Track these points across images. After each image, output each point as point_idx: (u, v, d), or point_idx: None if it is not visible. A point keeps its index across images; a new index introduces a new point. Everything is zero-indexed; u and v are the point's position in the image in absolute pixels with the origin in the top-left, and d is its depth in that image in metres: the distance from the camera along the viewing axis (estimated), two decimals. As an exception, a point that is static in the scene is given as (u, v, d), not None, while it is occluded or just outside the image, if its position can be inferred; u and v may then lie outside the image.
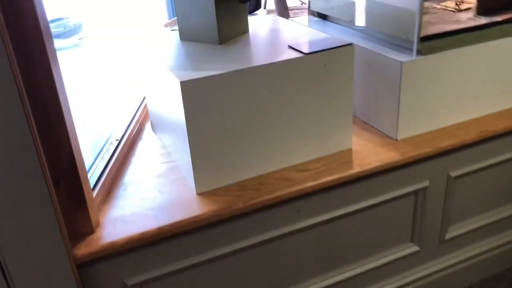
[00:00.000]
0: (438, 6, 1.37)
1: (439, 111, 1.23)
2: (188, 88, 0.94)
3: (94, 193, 1.01)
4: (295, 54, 1.03)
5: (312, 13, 1.55)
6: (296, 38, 1.15)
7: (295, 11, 1.77)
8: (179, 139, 1.05)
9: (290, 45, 1.09)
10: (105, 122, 1.39)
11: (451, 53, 1.17)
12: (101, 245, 0.91)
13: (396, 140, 1.20)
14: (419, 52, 1.14)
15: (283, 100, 1.04)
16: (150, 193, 1.06)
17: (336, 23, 1.45)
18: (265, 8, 1.80)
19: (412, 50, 1.15)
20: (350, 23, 1.36)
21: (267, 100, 1.02)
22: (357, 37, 1.31)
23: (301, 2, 2.01)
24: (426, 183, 1.23)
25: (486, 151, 1.27)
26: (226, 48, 1.11)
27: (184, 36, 1.19)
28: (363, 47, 1.23)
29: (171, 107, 1.04)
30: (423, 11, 1.09)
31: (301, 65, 1.03)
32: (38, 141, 0.79)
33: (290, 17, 1.62)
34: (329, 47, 1.05)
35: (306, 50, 1.04)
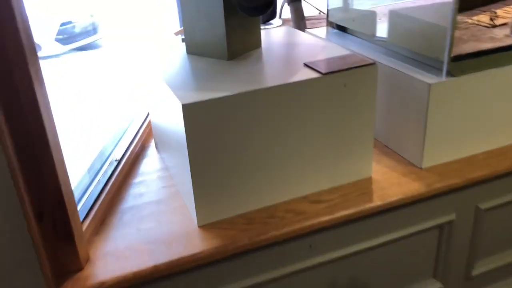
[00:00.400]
0: (470, 21, 1.25)
1: (470, 137, 1.11)
2: (191, 112, 0.84)
3: (87, 222, 0.92)
4: (311, 74, 0.93)
5: (330, 24, 1.44)
6: (313, 54, 1.05)
7: (312, 21, 1.66)
8: (181, 164, 0.95)
9: (306, 63, 0.98)
10: (108, 131, 1.30)
11: (485, 74, 1.05)
12: (89, 286, 0.81)
13: (421, 168, 1.09)
14: (449, 73, 1.02)
15: (296, 124, 0.94)
16: (147, 223, 0.96)
17: (356, 36, 1.34)
18: (280, 17, 1.71)
19: (441, 70, 1.03)
20: (372, 37, 1.25)
21: (279, 123, 0.92)
22: (379, 53, 1.20)
23: (319, 11, 1.91)
24: (452, 216, 1.11)
25: (520, 182, 1.15)
26: (235, 64, 1.01)
27: (191, 50, 1.10)
28: (386, 65, 1.12)
29: (173, 128, 0.95)
30: (455, 27, 0.98)
31: (317, 86, 0.93)
32: (18, 171, 0.70)
33: (307, 28, 1.52)
34: (349, 67, 0.95)
35: (323, 70, 0.94)
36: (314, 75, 0.93)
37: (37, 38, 6.01)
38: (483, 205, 1.14)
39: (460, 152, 1.12)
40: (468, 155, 1.13)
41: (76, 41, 6.36)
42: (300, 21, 1.52)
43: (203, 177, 0.90)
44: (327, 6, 1.43)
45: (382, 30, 1.23)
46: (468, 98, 1.06)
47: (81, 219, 0.91)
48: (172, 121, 0.94)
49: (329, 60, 0.99)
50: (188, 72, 0.99)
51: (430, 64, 1.08)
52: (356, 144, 1.02)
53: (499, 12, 1.24)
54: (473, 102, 1.07)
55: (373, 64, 0.96)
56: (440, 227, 1.12)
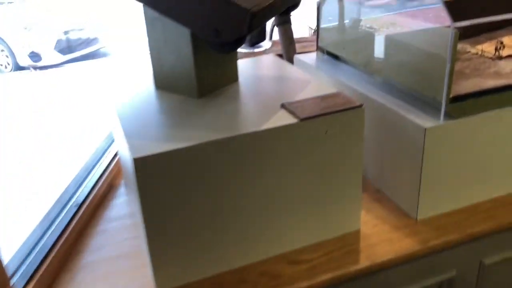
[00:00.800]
0: (473, 50, 1.13)
1: (471, 184, 0.99)
2: (145, 166, 0.72)
3: None
4: (287, 119, 0.81)
5: (321, 49, 1.32)
6: (293, 92, 0.93)
7: (304, 43, 1.55)
8: (139, 215, 0.84)
9: (284, 104, 0.86)
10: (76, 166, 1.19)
11: (489, 115, 0.93)
12: None
13: (416, 220, 0.96)
14: (448, 115, 0.90)
15: (271, 174, 0.82)
16: (101, 286, 0.84)
17: (348, 64, 1.22)
18: (271, 39, 1.60)
19: (439, 109, 0.91)
20: (365, 68, 1.14)
21: (250, 174, 0.80)
22: (372, 86, 1.08)
23: (313, 31, 1.79)
24: (452, 273, 0.99)
25: (529, 233, 1.03)
26: (205, 104, 0.90)
27: (159, 84, 0.98)
28: (379, 102, 1.00)
29: (130, 175, 0.83)
30: (454, 65, 0.86)
31: (294, 133, 0.81)
32: None
33: (296, 53, 1.40)
34: (332, 111, 0.83)
35: (301, 114, 0.82)
36: (290, 120, 0.81)
37: (37, 47, 5.97)
38: (487, 260, 1.01)
39: (460, 201, 0.99)
40: (469, 204, 1.00)
41: (77, 51, 6.30)
42: (289, 45, 1.41)
43: (162, 236, 0.78)
44: (316, 29, 1.31)
45: (375, 60, 1.11)
46: (469, 142, 0.94)
47: (22, 284, 0.80)
48: (128, 167, 0.83)
49: (310, 101, 0.87)
50: (149, 113, 0.88)
51: (427, 101, 0.96)
52: (342, 195, 0.90)
53: (506, 40, 1.11)
54: (475, 146, 0.95)
55: (359, 107, 0.84)
56: (438, 285, 0.99)
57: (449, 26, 0.83)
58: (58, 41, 6.07)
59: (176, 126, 0.82)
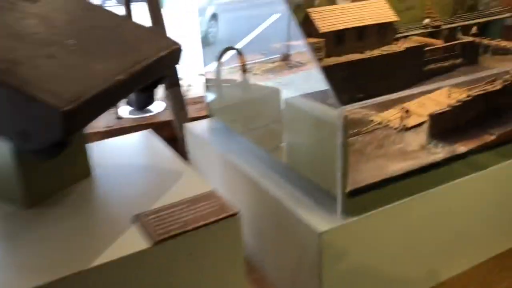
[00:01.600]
0: (378, 119, 0.99)
1: (383, 285, 0.82)
2: None
3: None
4: (136, 243, 0.61)
5: (212, 116, 1.14)
6: (156, 192, 0.73)
7: (202, 104, 1.37)
8: None
9: (139, 216, 0.66)
10: None
11: (395, 207, 0.77)
12: None
13: (322, 338, 0.78)
14: (347, 212, 0.74)
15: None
16: None
17: (243, 135, 1.05)
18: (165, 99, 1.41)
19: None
20: (259, 144, 0.96)
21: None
22: (267, 166, 0.90)
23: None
24: None
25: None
26: (32, 220, 0.67)
27: (-17, 189, 0.75)
28: (271, 194, 0.82)
29: None
30: (348, 153, 0.70)
31: (146, 259, 0.61)
32: None
33: (188, 119, 1.22)
34: (197, 225, 0.63)
35: (156, 234, 0.62)
36: (139, 245, 0.60)
37: None
38: None
39: (373, 308, 0.83)
40: (384, 308, 0.84)
41: None
42: (179, 111, 1.22)
43: None
44: (205, 94, 1.14)
45: (267, 135, 0.94)
46: (375, 239, 0.78)
47: None
48: None
49: (172, 210, 0.67)
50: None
51: (326, 193, 0.79)
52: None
53: (412, 106, 0.98)
54: (382, 243, 0.79)
55: (234, 215, 0.66)
56: None
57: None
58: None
59: (-22, 262, 0.59)
